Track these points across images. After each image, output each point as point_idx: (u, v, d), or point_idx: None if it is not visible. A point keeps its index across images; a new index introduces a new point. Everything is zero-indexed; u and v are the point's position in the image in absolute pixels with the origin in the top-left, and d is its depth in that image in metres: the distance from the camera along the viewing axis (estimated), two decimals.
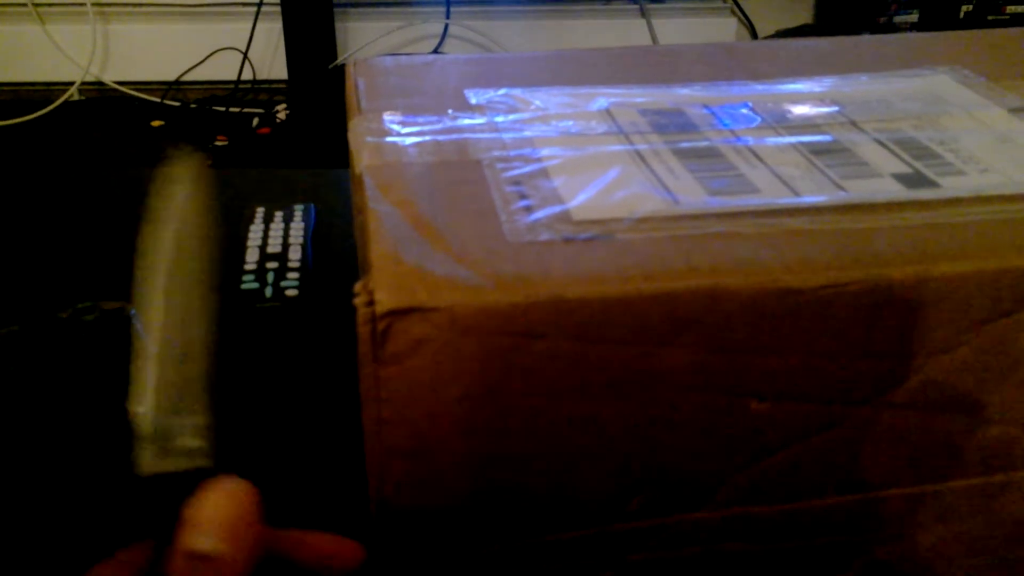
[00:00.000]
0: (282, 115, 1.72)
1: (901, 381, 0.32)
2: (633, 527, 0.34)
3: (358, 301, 0.27)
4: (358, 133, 0.37)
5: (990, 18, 1.66)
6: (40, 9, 1.70)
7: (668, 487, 0.33)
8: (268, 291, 0.54)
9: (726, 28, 1.80)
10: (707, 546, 0.35)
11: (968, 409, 0.33)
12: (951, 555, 0.37)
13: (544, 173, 0.34)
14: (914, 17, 1.70)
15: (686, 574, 0.36)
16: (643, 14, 1.79)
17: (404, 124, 0.38)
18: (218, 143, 1.63)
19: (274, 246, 0.59)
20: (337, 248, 0.63)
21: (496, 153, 0.36)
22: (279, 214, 0.63)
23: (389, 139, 0.37)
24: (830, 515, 0.35)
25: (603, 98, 0.40)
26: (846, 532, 0.36)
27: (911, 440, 0.33)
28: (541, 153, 0.36)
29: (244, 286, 0.55)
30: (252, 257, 0.58)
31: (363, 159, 0.35)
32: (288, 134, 1.67)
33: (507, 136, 0.37)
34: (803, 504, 0.35)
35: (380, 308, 0.27)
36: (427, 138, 0.37)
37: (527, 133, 0.37)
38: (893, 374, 0.32)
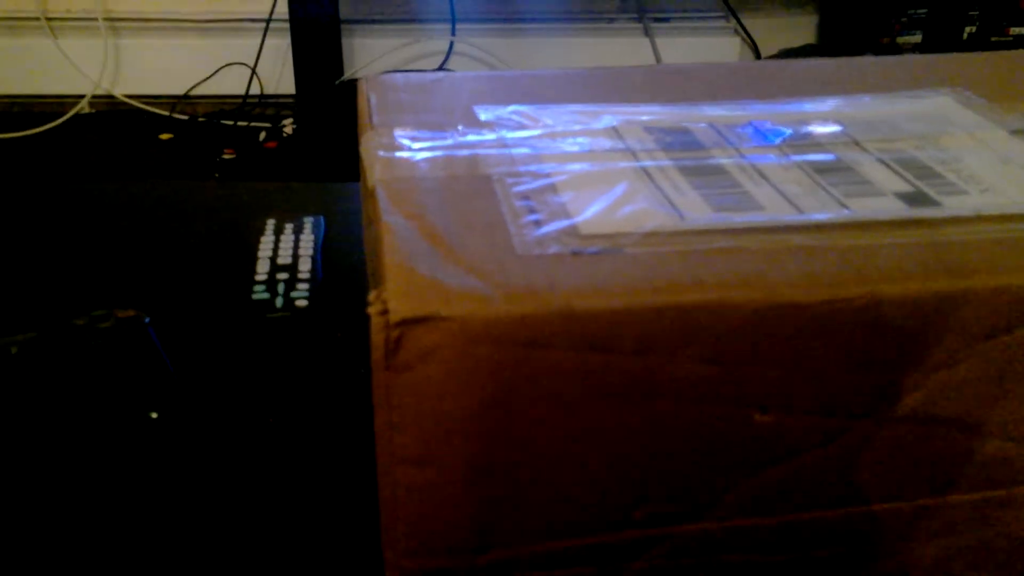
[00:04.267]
0: (289, 129, 1.73)
1: (902, 395, 0.32)
2: (634, 536, 0.34)
3: (372, 310, 0.28)
4: (370, 148, 0.38)
5: (993, 39, 1.67)
6: (52, 23, 1.72)
7: (671, 497, 0.33)
8: (279, 301, 0.55)
9: (729, 48, 1.82)
10: (707, 557, 0.35)
11: (968, 424, 0.34)
12: (950, 570, 0.38)
13: (552, 188, 0.35)
14: (917, 38, 1.71)
15: None
16: (647, 33, 1.81)
17: (415, 139, 0.39)
18: (225, 156, 1.65)
19: (284, 257, 0.60)
20: (345, 260, 0.63)
21: (505, 168, 0.36)
22: (289, 226, 0.63)
23: (400, 154, 0.37)
24: (831, 527, 0.35)
25: (610, 116, 0.41)
26: (846, 545, 0.36)
27: (911, 454, 0.34)
28: (549, 169, 0.36)
29: (255, 296, 0.56)
30: (263, 268, 0.58)
31: (375, 173, 0.36)
32: (294, 148, 1.68)
33: (516, 152, 0.38)
34: (804, 516, 0.35)
35: (394, 317, 0.28)
36: (438, 153, 0.37)
37: (536, 149, 0.38)
38: (894, 388, 0.32)
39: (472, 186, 0.35)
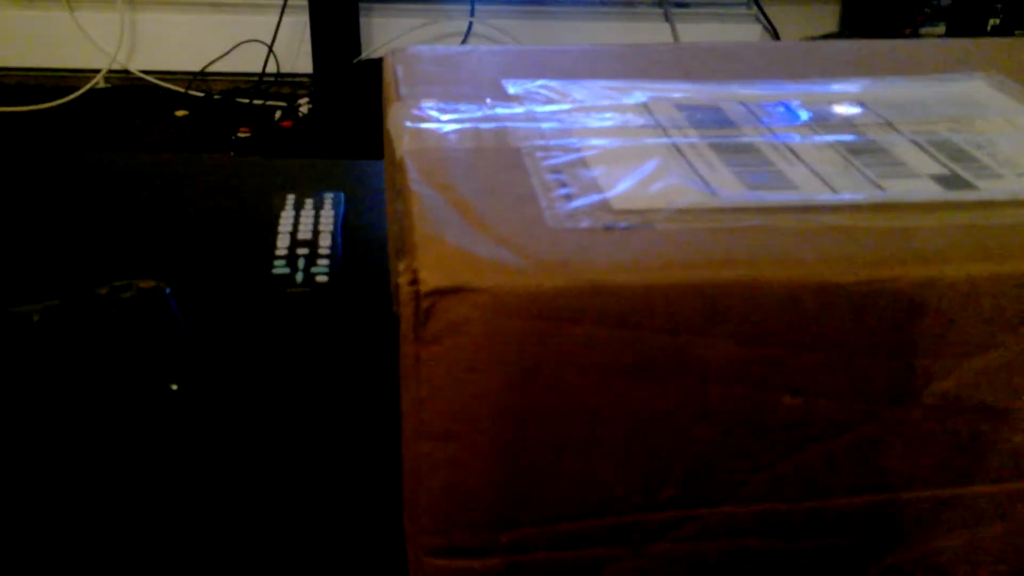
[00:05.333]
0: (304, 109, 1.73)
1: (932, 381, 0.32)
2: (658, 517, 0.34)
3: (402, 280, 0.28)
4: (397, 119, 0.38)
5: (1017, 32, 1.65)
6: None
7: (696, 479, 0.33)
8: (299, 277, 0.55)
9: (750, 35, 1.81)
10: (730, 540, 0.35)
11: (996, 413, 0.33)
12: (974, 560, 0.37)
13: (583, 163, 0.34)
14: (941, 29, 1.69)
15: (705, 567, 0.36)
16: (667, 19, 1.79)
17: (443, 111, 0.38)
18: (240, 135, 1.65)
19: (305, 233, 0.59)
20: (364, 237, 0.63)
21: (535, 142, 0.36)
22: (310, 202, 0.63)
23: (428, 125, 0.37)
24: (855, 514, 0.35)
25: (640, 92, 0.41)
26: (869, 532, 0.36)
27: (939, 442, 0.34)
28: (580, 143, 0.36)
29: (275, 271, 0.56)
30: (283, 243, 0.58)
31: (403, 144, 0.35)
32: (310, 128, 1.68)
33: (546, 126, 0.37)
34: (829, 502, 0.35)
35: (424, 287, 0.27)
36: (466, 125, 0.37)
37: (565, 124, 0.37)
38: (924, 374, 0.32)
39: (502, 159, 0.35)
